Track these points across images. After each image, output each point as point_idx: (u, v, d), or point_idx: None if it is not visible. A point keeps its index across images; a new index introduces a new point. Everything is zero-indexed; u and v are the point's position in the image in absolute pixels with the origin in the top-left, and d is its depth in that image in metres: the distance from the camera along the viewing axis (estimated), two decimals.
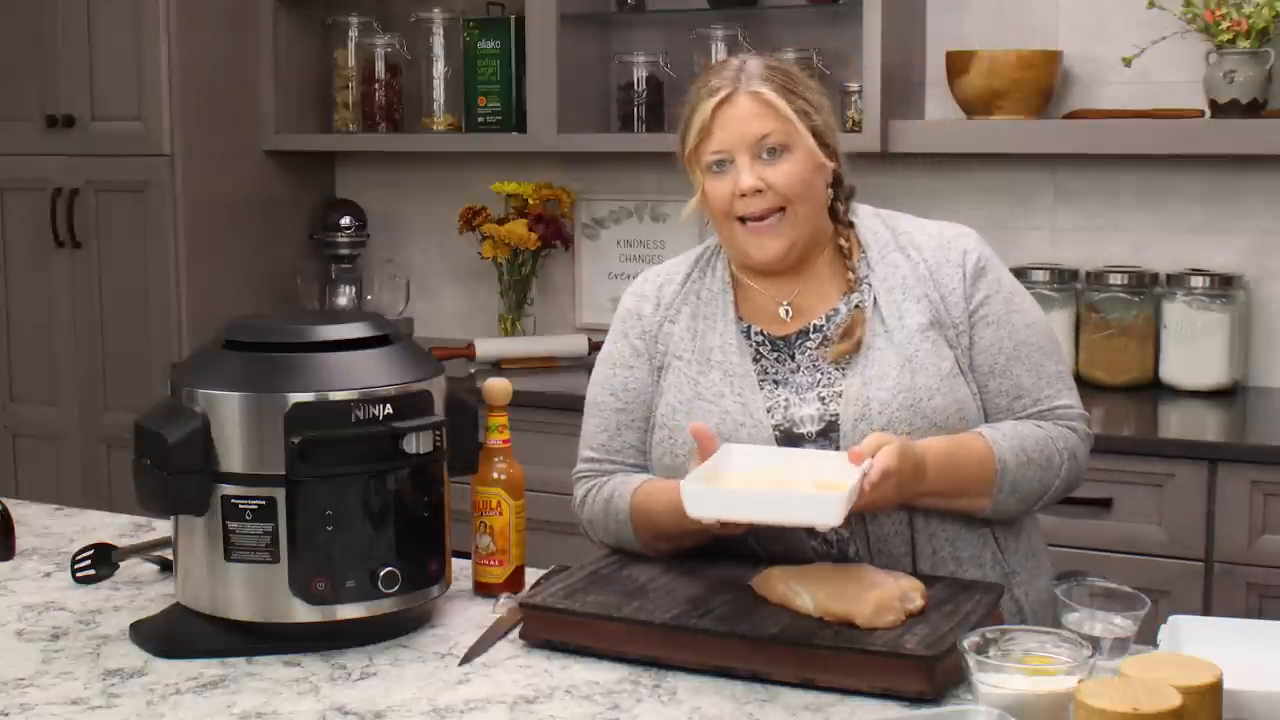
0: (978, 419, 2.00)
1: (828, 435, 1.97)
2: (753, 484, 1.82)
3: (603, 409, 2.12)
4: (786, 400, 2.01)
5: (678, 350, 2.08)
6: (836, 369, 2.01)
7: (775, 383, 2.03)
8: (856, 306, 2.03)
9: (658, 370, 2.09)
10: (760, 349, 2.05)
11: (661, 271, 2.17)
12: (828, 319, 2.04)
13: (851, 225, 2.08)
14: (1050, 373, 2.04)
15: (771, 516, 1.79)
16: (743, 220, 2.00)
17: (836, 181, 2.07)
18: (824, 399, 1.99)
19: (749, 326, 2.07)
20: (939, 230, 2.08)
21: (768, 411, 2.00)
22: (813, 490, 1.78)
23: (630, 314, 2.15)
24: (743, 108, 1.99)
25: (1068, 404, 2.04)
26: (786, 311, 2.06)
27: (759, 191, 1.98)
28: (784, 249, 2.01)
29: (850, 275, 2.05)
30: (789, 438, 1.98)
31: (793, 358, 2.04)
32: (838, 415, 1.97)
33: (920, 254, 2.04)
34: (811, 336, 2.04)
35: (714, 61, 3.69)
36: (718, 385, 2.02)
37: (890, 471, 1.80)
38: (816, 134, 2.01)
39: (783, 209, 1.99)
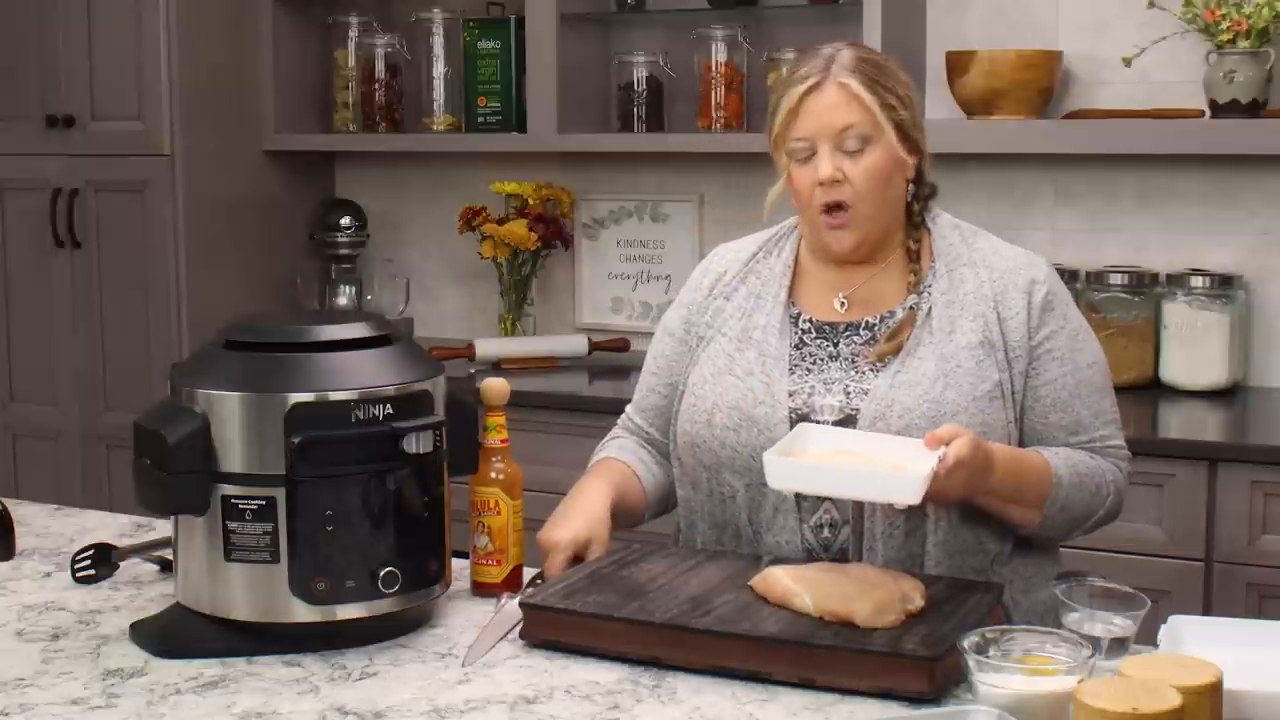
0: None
1: (843, 428, 1.99)
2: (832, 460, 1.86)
3: (646, 369, 2.25)
4: (811, 388, 2.03)
5: (724, 327, 2.12)
6: (871, 369, 2.02)
7: (808, 369, 2.05)
8: (910, 308, 2.05)
9: (694, 346, 2.14)
10: (805, 335, 2.08)
11: (734, 248, 2.22)
12: (882, 320, 2.06)
13: (924, 226, 2.11)
14: (1107, 412, 2.08)
15: (851, 492, 1.87)
16: (825, 211, 2.03)
17: (918, 179, 2.09)
18: (849, 393, 2.02)
19: (799, 313, 2.10)
20: (1013, 254, 2.09)
21: (790, 395, 2.02)
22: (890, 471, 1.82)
23: (691, 286, 2.23)
24: (829, 97, 2.02)
25: (1119, 444, 2.09)
26: (842, 303, 2.09)
27: (837, 182, 2.01)
28: (857, 242, 2.05)
29: (912, 278, 2.07)
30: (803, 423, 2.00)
31: (835, 345, 2.06)
32: (858, 410, 1.99)
33: (990, 274, 2.06)
34: (862, 332, 2.06)
35: (714, 62, 3.71)
36: (750, 363, 2.06)
37: (964, 461, 1.83)
38: (901, 128, 2.04)
39: (852, 208, 2.02)
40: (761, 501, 2.02)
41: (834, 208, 2.03)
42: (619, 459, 2.20)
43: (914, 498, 1.77)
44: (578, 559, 1.99)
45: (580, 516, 2.03)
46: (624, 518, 2.11)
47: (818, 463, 1.85)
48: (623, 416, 2.29)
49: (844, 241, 2.05)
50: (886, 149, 2.02)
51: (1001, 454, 1.93)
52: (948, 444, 1.83)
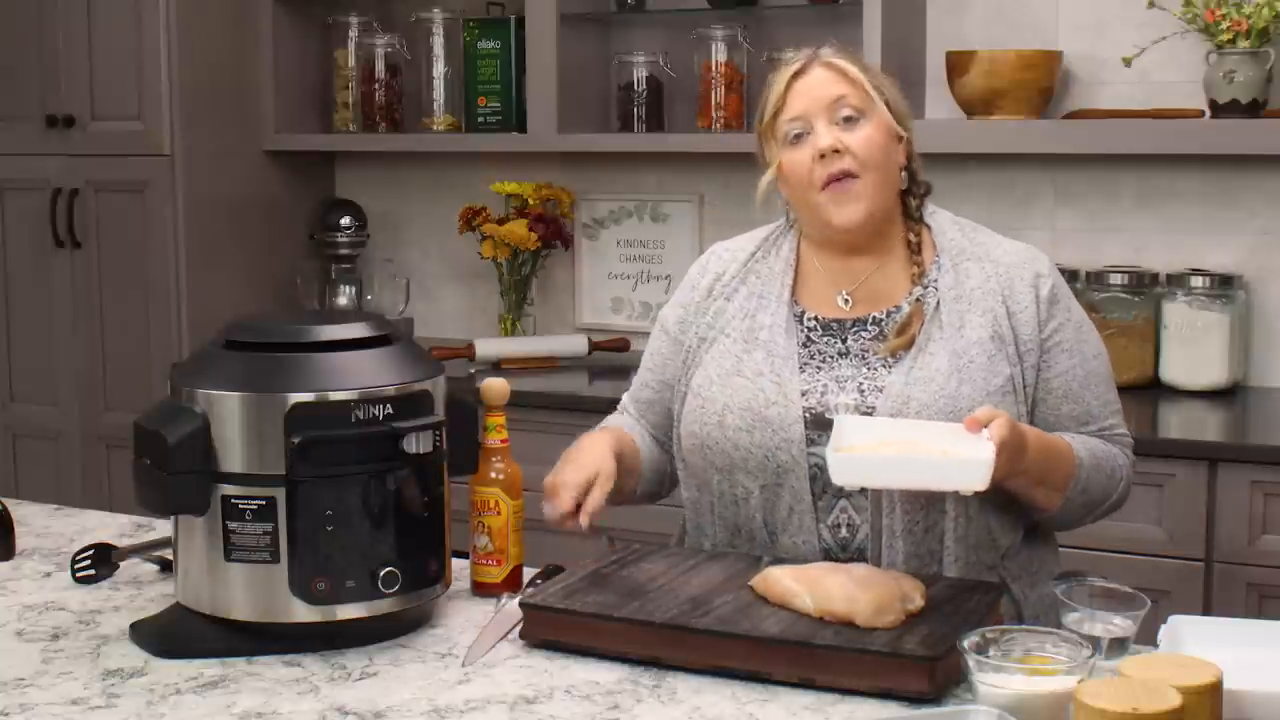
0: None
1: None
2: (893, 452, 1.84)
3: (643, 363, 2.25)
4: (824, 386, 2.03)
5: (727, 327, 2.11)
6: (884, 365, 2.02)
7: (818, 368, 2.05)
8: (917, 300, 2.05)
9: (693, 347, 2.13)
10: (811, 334, 2.08)
11: (731, 247, 2.21)
12: (888, 314, 2.06)
13: (923, 223, 2.11)
14: (1113, 403, 2.10)
15: (917, 482, 1.85)
16: (824, 187, 2.03)
17: (911, 171, 2.10)
18: (863, 390, 2.02)
19: (802, 311, 2.10)
20: (1015, 249, 2.10)
21: (802, 395, 2.02)
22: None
23: (688, 285, 2.22)
24: (817, 76, 2.05)
25: (1124, 432, 2.11)
26: (845, 300, 2.08)
27: (836, 152, 2.01)
28: (864, 213, 2.03)
29: (915, 270, 2.07)
30: (819, 422, 2.00)
31: (844, 342, 2.06)
32: (874, 408, 1.99)
33: (995, 267, 2.06)
34: (869, 328, 2.06)
35: (714, 62, 3.71)
36: (759, 364, 2.06)
37: (1005, 443, 1.83)
38: (889, 107, 2.05)
39: (859, 176, 2.02)
40: (776, 502, 2.01)
41: (839, 178, 2.02)
42: (620, 426, 2.21)
43: (981, 484, 1.76)
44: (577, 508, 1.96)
45: (586, 455, 2.01)
46: (621, 477, 2.05)
47: (881, 455, 1.83)
48: (621, 402, 2.29)
49: (853, 213, 2.03)
50: (880, 121, 2.03)
51: (1032, 434, 1.94)
52: (987, 426, 1.84)
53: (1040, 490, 1.98)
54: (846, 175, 2.01)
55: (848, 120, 2.02)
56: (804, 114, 2.04)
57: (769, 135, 2.08)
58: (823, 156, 2.01)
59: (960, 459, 1.79)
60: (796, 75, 2.06)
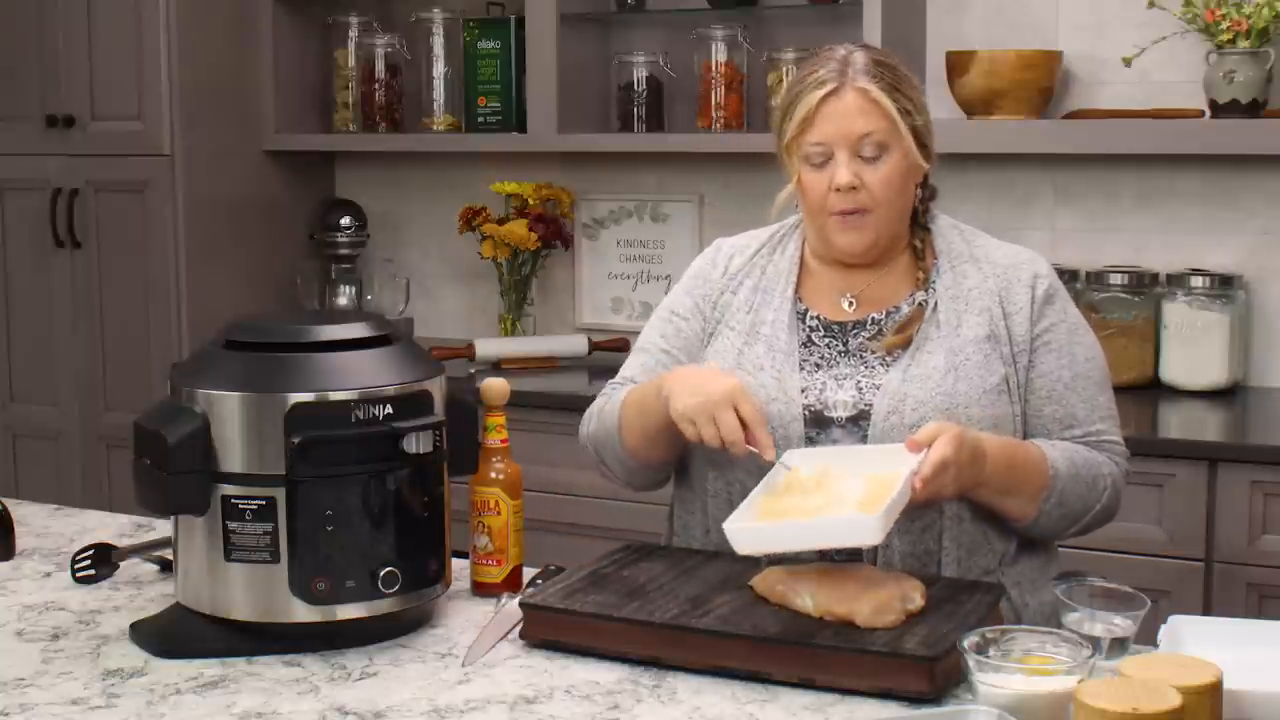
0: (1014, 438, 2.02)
1: (857, 423, 2.00)
2: (796, 505, 1.83)
3: (649, 350, 2.18)
4: (823, 384, 2.04)
5: (731, 320, 2.11)
6: (881, 364, 2.03)
7: (817, 365, 2.06)
8: (919, 305, 2.05)
9: (709, 334, 2.13)
10: (813, 333, 2.08)
11: (736, 242, 2.21)
12: (888, 314, 2.07)
13: (928, 229, 2.11)
14: (1103, 408, 2.07)
15: (815, 543, 1.84)
16: (834, 214, 2.03)
17: (923, 182, 2.09)
18: (861, 388, 2.02)
19: (806, 310, 2.10)
20: (1014, 252, 2.11)
21: (802, 392, 2.02)
22: (855, 503, 1.79)
23: (699, 276, 2.19)
24: (848, 103, 2.01)
25: (1115, 440, 2.08)
26: (849, 302, 2.09)
27: (853, 189, 2.00)
28: (869, 243, 2.05)
29: (920, 275, 2.08)
30: (818, 420, 2.01)
31: (845, 343, 2.07)
32: (871, 405, 1.99)
33: (993, 269, 2.07)
34: (869, 328, 2.07)
35: (714, 62, 3.71)
36: (760, 359, 2.06)
37: (948, 461, 1.82)
38: (915, 134, 2.04)
39: (870, 212, 2.02)
40: None
41: (851, 211, 2.02)
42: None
43: (874, 538, 1.73)
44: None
45: (711, 370, 1.97)
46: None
47: (773, 524, 1.81)
48: (610, 387, 2.19)
49: (858, 242, 2.04)
50: (902, 156, 2.02)
51: (994, 445, 1.93)
52: (929, 446, 1.83)
53: (1010, 500, 1.97)
54: (858, 211, 2.02)
55: (870, 152, 2.00)
56: (828, 141, 2.01)
57: (791, 149, 2.06)
58: (838, 190, 2.01)
59: (852, 519, 1.77)
60: (827, 97, 2.01)
